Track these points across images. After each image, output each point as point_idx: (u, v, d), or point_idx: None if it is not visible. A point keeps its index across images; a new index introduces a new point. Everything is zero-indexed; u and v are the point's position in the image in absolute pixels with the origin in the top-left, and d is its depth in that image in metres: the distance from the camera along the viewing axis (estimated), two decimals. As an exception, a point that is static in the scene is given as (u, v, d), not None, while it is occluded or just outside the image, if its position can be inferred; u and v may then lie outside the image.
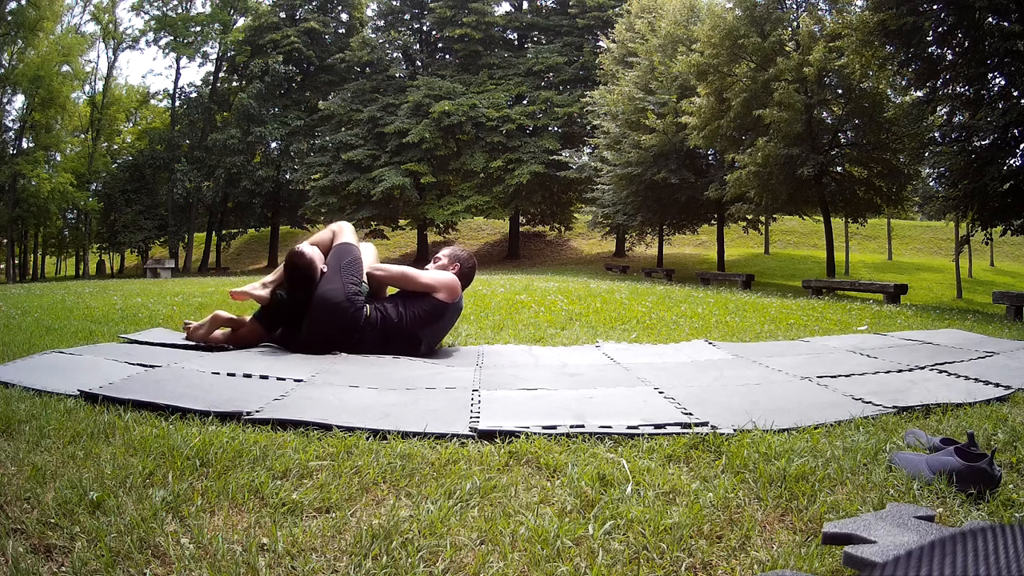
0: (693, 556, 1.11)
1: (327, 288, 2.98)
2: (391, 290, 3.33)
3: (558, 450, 1.61)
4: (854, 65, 11.08)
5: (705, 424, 1.80)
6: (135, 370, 2.43)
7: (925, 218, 33.27)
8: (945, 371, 2.62)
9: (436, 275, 3.16)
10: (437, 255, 3.37)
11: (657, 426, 1.79)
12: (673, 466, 1.53)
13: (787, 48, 13.46)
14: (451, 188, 27.43)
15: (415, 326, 3.04)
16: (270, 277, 3.17)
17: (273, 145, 30.35)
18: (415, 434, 1.72)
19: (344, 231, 3.23)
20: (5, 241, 27.27)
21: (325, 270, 3.05)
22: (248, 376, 2.39)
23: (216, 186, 28.76)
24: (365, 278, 3.15)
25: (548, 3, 29.50)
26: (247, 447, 1.57)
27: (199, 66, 51.85)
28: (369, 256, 3.31)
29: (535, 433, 1.72)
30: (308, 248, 3.05)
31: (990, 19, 8.98)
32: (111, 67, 32.98)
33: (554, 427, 1.77)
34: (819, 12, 14.14)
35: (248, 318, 3.21)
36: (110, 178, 30.36)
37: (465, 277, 3.32)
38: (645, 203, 17.85)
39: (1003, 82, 9.59)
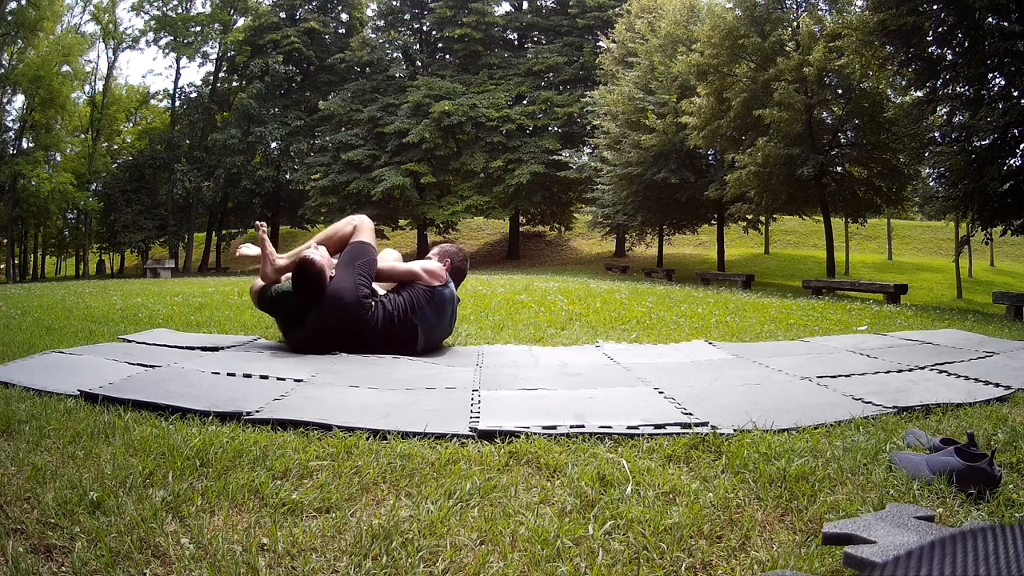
0: (693, 556, 1.11)
1: (338, 287, 2.99)
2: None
3: (558, 450, 1.61)
4: (854, 65, 11.07)
5: (705, 424, 1.80)
6: (135, 370, 2.43)
7: (925, 218, 33.24)
8: (945, 371, 2.62)
9: (416, 262, 3.30)
10: (428, 255, 3.50)
11: (657, 426, 1.79)
12: (673, 466, 1.52)
13: (787, 48, 13.45)
14: (451, 188, 27.43)
15: (409, 311, 3.09)
16: (286, 261, 3.14)
17: (273, 145, 30.33)
18: (415, 434, 1.72)
19: (364, 228, 3.25)
20: (5, 241, 27.26)
21: (333, 274, 3.04)
22: (248, 376, 2.39)
23: (216, 186, 28.74)
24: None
25: (548, 3, 29.50)
26: (247, 447, 1.58)
27: (199, 66, 51.89)
28: (389, 260, 3.35)
29: (535, 433, 1.72)
30: (318, 256, 3.01)
31: (990, 19, 8.97)
32: (111, 67, 32.93)
33: (554, 427, 1.77)
34: (819, 12, 14.13)
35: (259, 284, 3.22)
36: (110, 178, 30.33)
37: (457, 272, 3.47)
38: (645, 203, 17.84)
39: (1003, 82, 9.58)
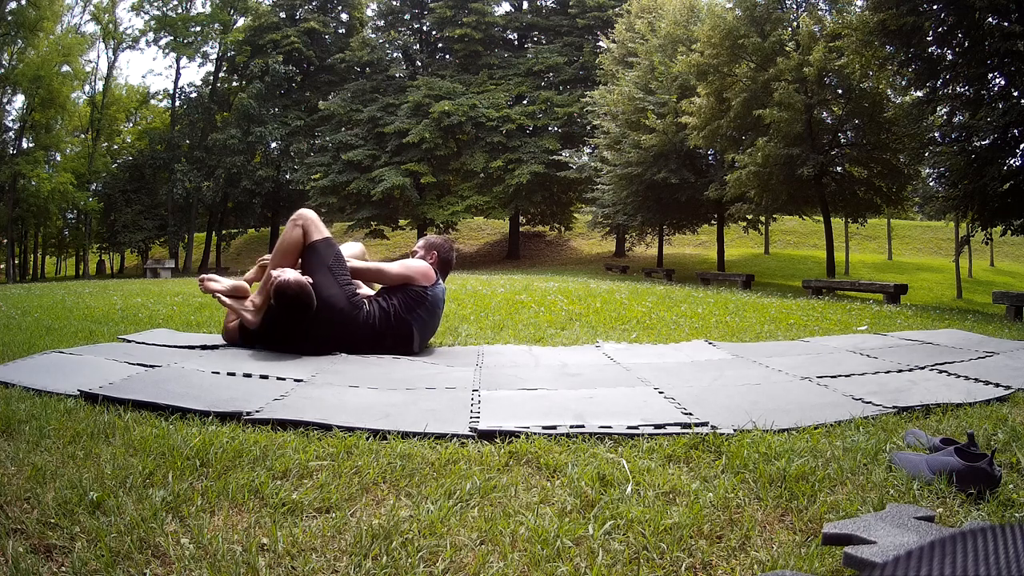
0: (693, 556, 1.11)
1: (327, 294, 2.97)
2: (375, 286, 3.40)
3: (558, 450, 1.61)
4: (854, 65, 11.07)
5: (705, 424, 1.80)
6: (135, 370, 2.43)
7: (925, 218, 33.24)
8: (945, 371, 2.61)
9: (406, 264, 3.27)
10: (413, 248, 3.49)
11: (657, 426, 1.79)
12: (673, 466, 1.52)
13: (787, 48, 13.45)
14: (451, 188, 27.44)
15: (403, 311, 3.10)
16: (258, 299, 3.06)
17: (273, 145, 30.32)
18: (415, 434, 1.72)
19: (311, 223, 3.12)
20: (5, 241, 27.25)
21: (311, 280, 2.99)
22: (248, 376, 2.39)
23: (216, 186, 28.73)
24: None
25: (548, 3, 29.50)
26: (247, 447, 1.58)
27: (199, 66, 51.91)
28: (353, 251, 3.36)
29: (535, 433, 1.72)
30: (290, 275, 2.89)
31: (990, 19, 8.98)
32: (111, 67, 32.91)
33: (554, 427, 1.77)
34: (819, 12, 14.13)
35: (238, 318, 3.16)
36: (110, 178, 30.34)
37: (444, 264, 3.45)
38: (645, 203, 17.84)
39: (1003, 82, 9.58)
